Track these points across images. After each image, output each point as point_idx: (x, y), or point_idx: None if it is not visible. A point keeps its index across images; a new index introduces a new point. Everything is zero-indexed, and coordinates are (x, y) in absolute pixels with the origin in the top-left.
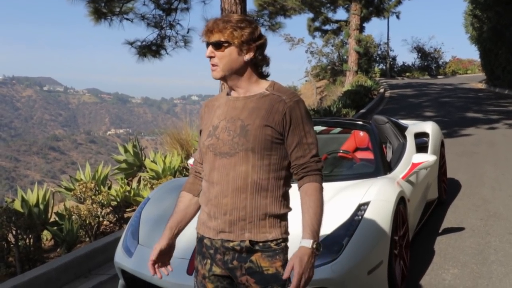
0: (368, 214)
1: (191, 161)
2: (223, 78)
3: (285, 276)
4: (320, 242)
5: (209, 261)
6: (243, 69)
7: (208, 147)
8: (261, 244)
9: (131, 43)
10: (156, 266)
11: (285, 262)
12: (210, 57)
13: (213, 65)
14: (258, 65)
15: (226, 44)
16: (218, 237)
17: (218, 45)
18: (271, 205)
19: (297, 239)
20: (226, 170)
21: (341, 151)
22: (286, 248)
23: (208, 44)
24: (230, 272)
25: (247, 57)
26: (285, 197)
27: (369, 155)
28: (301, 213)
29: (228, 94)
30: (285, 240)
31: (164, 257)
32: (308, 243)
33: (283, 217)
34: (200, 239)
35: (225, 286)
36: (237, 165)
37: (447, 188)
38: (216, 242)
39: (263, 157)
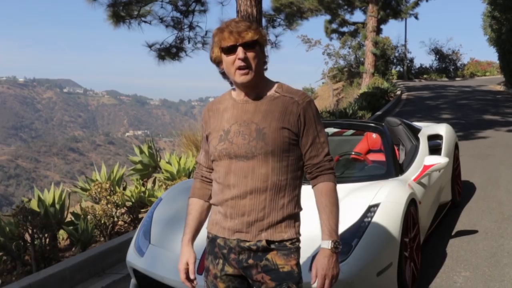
0: (378, 215)
1: None
2: (252, 81)
3: (313, 281)
4: (339, 240)
5: (221, 261)
6: (262, 70)
7: (221, 151)
8: (277, 243)
9: (150, 46)
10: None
11: (298, 262)
12: (243, 58)
13: (244, 67)
14: (264, 65)
15: (258, 44)
16: (234, 237)
17: (252, 45)
18: (288, 205)
19: (309, 239)
20: (244, 173)
21: (353, 153)
22: (299, 248)
23: (233, 48)
24: (244, 271)
25: (264, 56)
26: (299, 197)
27: (381, 157)
28: (317, 212)
29: (233, 96)
30: (299, 240)
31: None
32: (327, 244)
33: (297, 217)
34: (213, 239)
35: (236, 285)
36: (256, 167)
37: (461, 191)
38: (230, 242)
39: (282, 159)
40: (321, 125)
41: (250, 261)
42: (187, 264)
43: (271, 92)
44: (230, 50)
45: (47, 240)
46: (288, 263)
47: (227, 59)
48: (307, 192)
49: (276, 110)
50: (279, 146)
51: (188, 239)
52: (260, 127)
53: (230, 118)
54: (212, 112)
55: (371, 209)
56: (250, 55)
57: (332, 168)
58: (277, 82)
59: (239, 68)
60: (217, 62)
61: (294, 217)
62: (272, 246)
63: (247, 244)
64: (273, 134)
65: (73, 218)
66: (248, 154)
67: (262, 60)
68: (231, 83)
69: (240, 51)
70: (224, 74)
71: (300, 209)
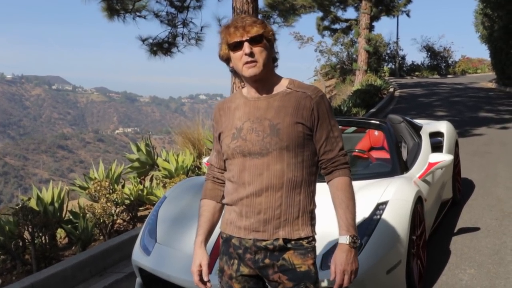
0: (387, 213)
1: (205, 160)
2: (260, 75)
3: (332, 277)
4: (356, 235)
5: (236, 261)
6: (271, 65)
7: (234, 149)
8: (293, 242)
9: (142, 40)
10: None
11: (315, 261)
12: (250, 53)
13: (251, 62)
14: (274, 62)
15: (265, 39)
16: (250, 236)
17: (258, 40)
18: (304, 201)
19: (323, 236)
20: (259, 170)
21: (356, 150)
22: (315, 247)
23: (240, 44)
24: (261, 271)
25: (273, 52)
26: (314, 193)
27: (384, 154)
28: (330, 210)
29: (244, 94)
30: (315, 239)
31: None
32: (345, 239)
33: (313, 213)
34: (227, 239)
35: (252, 286)
36: (271, 164)
37: (461, 188)
38: (246, 241)
39: (297, 155)
40: (334, 119)
41: (267, 260)
42: (200, 266)
43: (283, 88)
44: (236, 46)
45: (47, 239)
46: (305, 263)
47: (234, 55)
48: (320, 190)
49: (289, 106)
50: (294, 141)
51: (200, 241)
52: (273, 123)
53: (242, 116)
54: (223, 111)
55: (380, 207)
56: (257, 49)
57: (347, 163)
58: (288, 78)
59: (246, 62)
60: (226, 60)
61: (310, 213)
62: (289, 245)
63: (264, 243)
64: (288, 129)
65: (71, 217)
66: (263, 150)
67: (270, 55)
68: (242, 80)
69: (246, 46)
70: (234, 72)
71: (315, 205)
